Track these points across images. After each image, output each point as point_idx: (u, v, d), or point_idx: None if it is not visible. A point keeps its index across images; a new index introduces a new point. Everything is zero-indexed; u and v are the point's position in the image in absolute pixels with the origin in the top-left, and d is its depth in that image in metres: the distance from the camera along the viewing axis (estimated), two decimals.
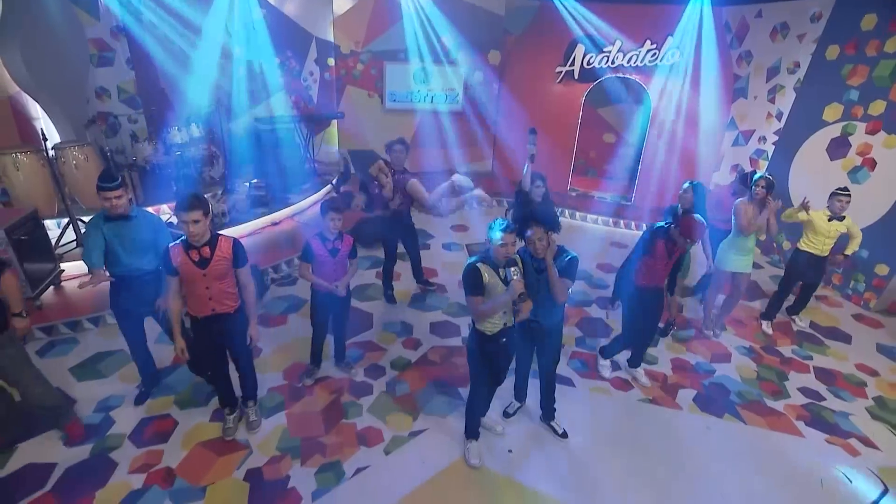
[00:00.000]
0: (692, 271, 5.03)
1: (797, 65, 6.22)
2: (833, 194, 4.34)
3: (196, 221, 2.60)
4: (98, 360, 3.91)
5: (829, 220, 4.38)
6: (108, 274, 3.07)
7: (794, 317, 5.02)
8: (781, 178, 6.21)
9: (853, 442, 3.52)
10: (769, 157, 6.64)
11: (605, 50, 7.22)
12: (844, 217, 4.37)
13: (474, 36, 8.16)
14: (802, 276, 4.71)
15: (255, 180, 6.64)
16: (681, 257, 4.08)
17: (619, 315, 3.80)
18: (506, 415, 3.55)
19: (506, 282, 2.68)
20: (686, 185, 3.97)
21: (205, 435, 3.24)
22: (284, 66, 7.92)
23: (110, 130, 6.50)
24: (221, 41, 7.16)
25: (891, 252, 5.11)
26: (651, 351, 4.26)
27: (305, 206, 6.88)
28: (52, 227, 5.06)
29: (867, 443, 3.52)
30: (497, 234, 2.60)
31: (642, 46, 7.05)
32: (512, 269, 2.59)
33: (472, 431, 3.19)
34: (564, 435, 3.38)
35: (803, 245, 4.57)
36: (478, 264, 2.68)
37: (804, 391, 4.02)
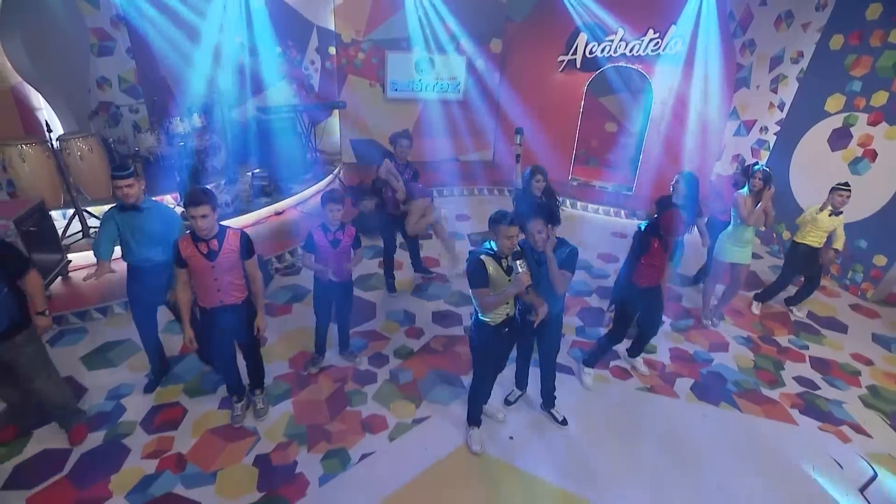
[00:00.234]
0: (686, 258, 5.00)
1: (800, 54, 6.18)
2: (834, 189, 4.35)
3: (204, 216, 2.66)
4: (107, 349, 3.99)
5: (830, 216, 4.41)
6: (112, 267, 3.13)
7: (791, 307, 5.09)
8: (782, 169, 6.23)
9: (845, 429, 3.61)
10: (770, 147, 6.64)
11: (607, 39, 7.17)
12: (842, 212, 4.41)
13: (476, 23, 8.11)
14: (802, 268, 4.76)
15: (257, 170, 6.68)
16: (675, 247, 4.10)
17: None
18: (507, 402, 3.63)
19: (509, 273, 2.73)
20: (676, 176, 4.00)
21: (213, 422, 3.34)
22: (285, 54, 7.88)
23: (112, 120, 6.49)
24: (222, 30, 7.12)
25: (889, 243, 5.15)
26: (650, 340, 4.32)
27: (308, 195, 6.91)
28: (58, 217, 5.11)
29: (859, 430, 3.60)
30: (501, 227, 2.61)
31: (645, 35, 7.01)
32: (519, 261, 2.61)
33: (474, 419, 3.28)
34: (564, 422, 3.46)
35: (801, 238, 4.61)
36: (482, 257, 2.72)
37: (799, 380, 4.10)
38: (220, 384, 3.57)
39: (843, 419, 3.70)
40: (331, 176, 7.56)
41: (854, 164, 5.48)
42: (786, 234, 6.33)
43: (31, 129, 5.92)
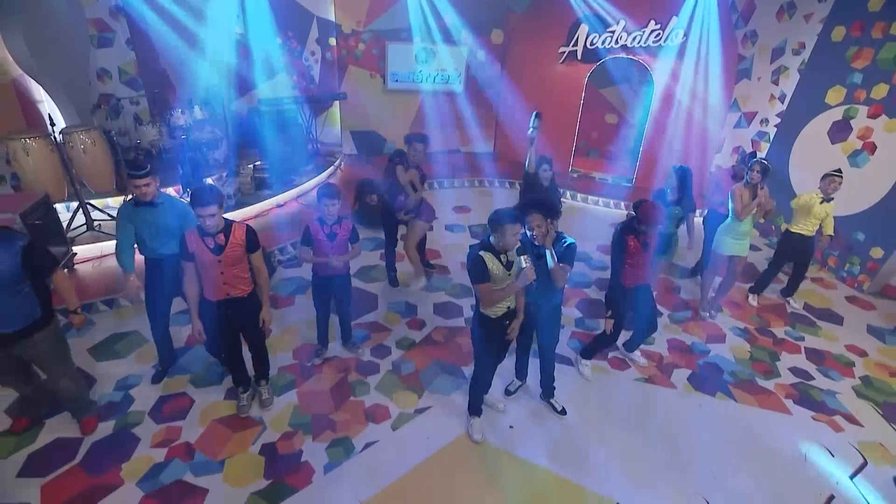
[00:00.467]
0: (680, 250, 5.03)
1: (802, 45, 6.17)
2: (827, 175, 4.39)
3: (212, 215, 2.71)
4: (114, 341, 4.06)
5: (822, 203, 4.46)
6: (139, 283, 3.29)
7: (788, 298, 5.15)
8: (782, 161, 6.25)
9: (838, 419, 3.68)
10: (771, 139, 6.65)
11: (608, 30, 7.15)
12: (833, 198, 4.45)
13: (477, 14, 8.07)
14: (792, 256, 4.86)
15: (258, 162, 6.69)
16: (668, 240, 4.13)
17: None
18: (507, 393, 3.71)
19: (508, 268, 2.78)
20: (671, 170, 4.04)
21: (220, 412, 3.41)
22: (286, 45, 7.86)
23: (113, 113, 6.49)
24: (223, 21, 7.09)
25: (886, 235, 5.20)
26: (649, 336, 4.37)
27: (309, 187, 6.94)
28: (62, 210, 5.15)
29: (851, 420, 3.68)
30: (506, 226, 2.62)
31: (646, 27, 6.98)
32: (523, 257, 2.63)
33: (475, 408, 3.35)
34: (563, 412, 3.54)
35: (794, 227, 4.67)
36: (481, 252, 2.75)
37: (794, 371, 4.18)
38: (226, 375, 3.64)
39: (836, 409, 3.78)
40: (331, 168, 7.58)
41: (853, 157, 5.50)
42: (784, 227, 6.36)
43: (33, 122, 5.94)
